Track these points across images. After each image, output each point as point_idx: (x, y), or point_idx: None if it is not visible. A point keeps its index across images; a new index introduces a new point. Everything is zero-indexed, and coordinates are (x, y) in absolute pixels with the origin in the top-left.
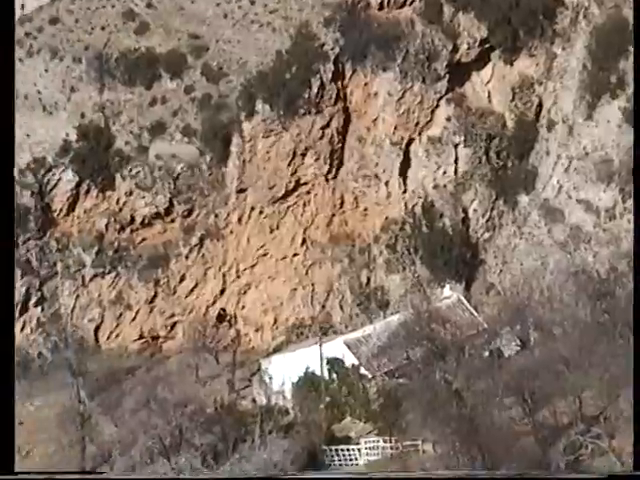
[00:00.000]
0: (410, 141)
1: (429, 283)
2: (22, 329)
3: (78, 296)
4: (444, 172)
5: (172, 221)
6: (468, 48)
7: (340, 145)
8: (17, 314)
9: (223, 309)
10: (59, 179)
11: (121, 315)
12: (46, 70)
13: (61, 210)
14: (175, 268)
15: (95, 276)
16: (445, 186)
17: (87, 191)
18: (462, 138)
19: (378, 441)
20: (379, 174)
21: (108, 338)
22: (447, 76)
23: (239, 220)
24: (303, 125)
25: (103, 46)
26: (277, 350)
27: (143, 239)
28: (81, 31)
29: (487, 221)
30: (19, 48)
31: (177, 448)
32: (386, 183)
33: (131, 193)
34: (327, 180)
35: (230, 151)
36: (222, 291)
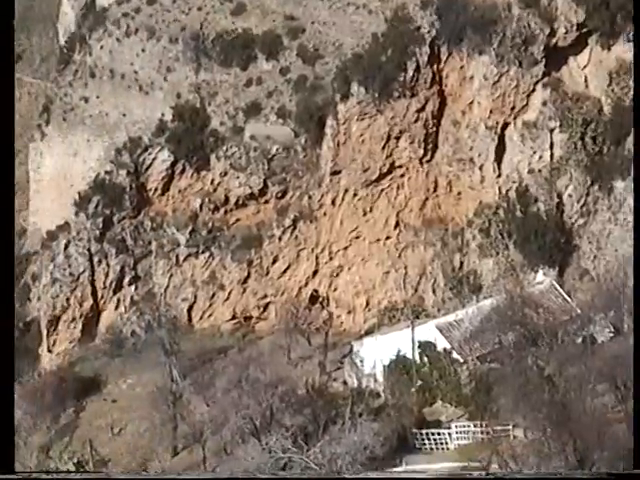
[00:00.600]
0: (505, 125)
1: (522, 268)
2: (116, 307)
3: (172, 275)
4: (539, 157)
5: (266, 202)
6: (565, 32)
7: (435, 129)
8: (111, 292)
9: (315, 290)
10: (154, 159)
11: (214, 295)
12: (143, 50)
13: (156, 190)
14: (268, 249)
15: (189, 256)
16: (540, 171)
17: (182, 171)
18: (558, 123)
19: (469, 425)
20: (474, 158)
21: (201, 318)
22: (543, 60)
23: (333, 202)
24: (398, 108)
25: (200, 26)
26: (369, 333)
27: (237, 220)
28: (178, 11)
29: (582, 207)
30: (117, 29)
31: (268, 428)
32: (480, 167)
33: (225, 174)
34: (421, 163)
35: (324, 133)
36: (315, 273)
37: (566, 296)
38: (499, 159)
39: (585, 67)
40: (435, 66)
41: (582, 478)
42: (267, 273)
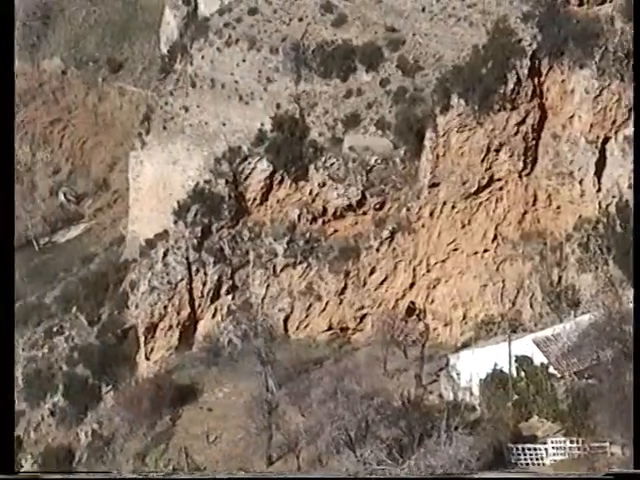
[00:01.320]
0: (606, 140)
1: (621, 283)
2: (213, 316)
3: (269, 285)
4: None
5: (364, 213)
6: None
7: (534, 142)
8: (208, 301)
9: (412, 303)
10: (253, 168)
11: (311, 306)
12: (243, 60)
13: (254, 199)
14: (366, 260)
15: (286, 266)
16: None
17: (280, 181)
18: None
19: (565, 441)
20: (574, 172)
21: (297, 328)
22: None
23: (431, 214)
24: (498, 121)
25: (300, 37)
26: (465, 346)
27: (334, 231)
28: (279, 22)
29: None
30: (218, 38)
31: (363, 440)
32: (580, 181)
33: (324, 184)
34: (520, 177)
35: (424, 145)
36: (412, 285)
37: None
38: (599, 173)
39: None
40: (536, 79)
41: (582, 478)
42: (364, 284)
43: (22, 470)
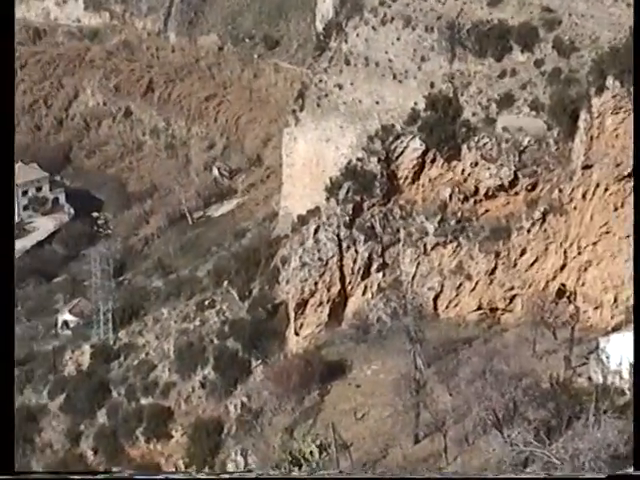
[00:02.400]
0: None
1: None
2: (363, 293)
3: (419, 264)
4: None
5: (516, 194)
6: None
7: None
8: (359, 278)
9: (563, 285)
10: (406, 147)
11: (461, 285)
12: (398, 39)
13: (406, 178)
14: (516, 241)
15: (437, 245)
16: None
17: (433, 160)
18: None
19: None
20: None
21: (447, 307)
22: None
23: (583, 196)
24: None
25: (456, 16)
26: (616, 329)
27: (486, 210)
28: (434, 1)
29: None
30: (373, 17)
31: (510, 421)
32: None
33: (476, 164)
34: None
35: (577, 126)
36: (562, 267)
37: None
38: None
39: None
40: None
41: (582, 478)
42: (514, 265)
43: (173, 438)
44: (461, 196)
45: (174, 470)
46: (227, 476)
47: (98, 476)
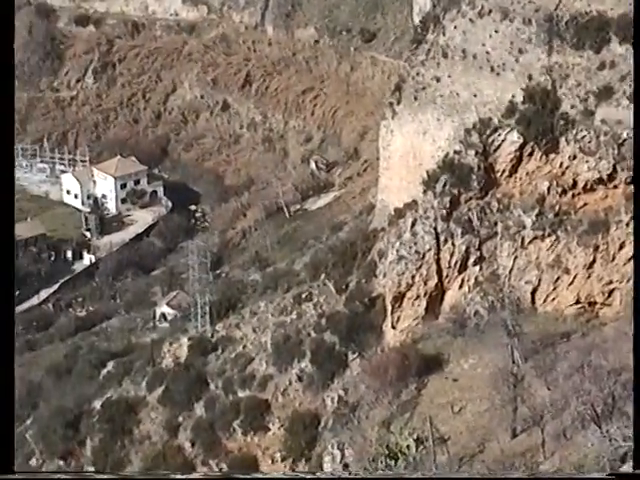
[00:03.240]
0: None
1: None
2: (460, 287)
3: (516, 257)
4: None
5: (615, 187)
6: None
7: None
8: (456, 272)
9: None
10: (504, 140)
11: (558, 279)
12: (496, 31)
13: (504, 171)
14: (615, 235)
15: (534, 238)
16: None
17: (530, 153)
18: None
19: None
20: None
21: (544, 301)
22: None
23: None
24: None
25: (554, 8)
26: None
27: (584, 204)
28: None
29: None
30: (470, 9)
31: (609, 416)
32: None
33: (575, 157)
34: None
35: None
36: None
37: None
38: None
39: None
40: None
41: (582, 478)
42: (613, 259)
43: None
44: (559, 189)
45: (270, 462)
46: (227, 476)
47: (97, 476)
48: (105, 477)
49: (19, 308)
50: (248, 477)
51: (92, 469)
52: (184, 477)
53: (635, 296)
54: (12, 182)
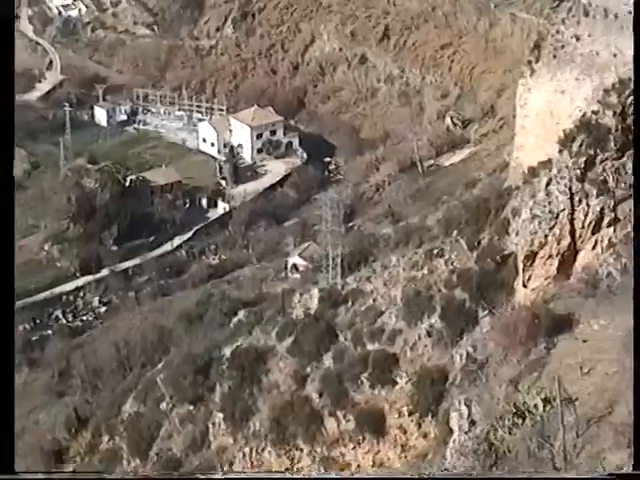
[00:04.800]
0: None
1: None
2: (593, 248)
3: None
4: None
5: None
6: None
7: None
8: (589, 233)
9: None
10: None
11: None
12: None
13: None
14: None
15: None
16: None
17: None
18: None
19: None
20: None
21: None
22: None
23: None
24: None
25: None
26: None
27: None
28: None
29: None
30: None
31: None
32: None
33: None
34: None
35: None
36: None
37: None
38: None
39: None
40: None
41: (582, 478)
42: None
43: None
44: None
45: (397, 416)
46: (227, 476)
47: (96, 476)
48: (105, 477)
49: (153, 254)
50: (249, 477)
51: (221, 415)
52: (185, 477)
53: (635, 296)
54: (12, 182)
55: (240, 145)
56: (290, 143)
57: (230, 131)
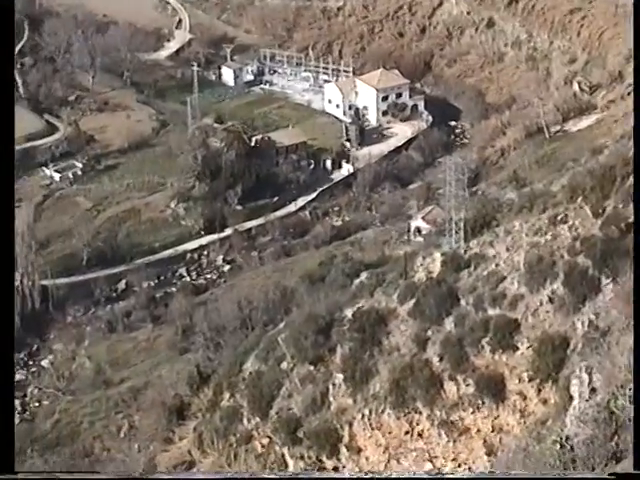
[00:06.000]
0: None
1: None
2: None
3: None
4: None
5: None
6: None
7: None
8: None
9: None
10: None
11: None
12: None
13: None
14: None
15: None
16: None
17: None
18: None
19: None
20: None
21: None
22: None
23: None
24: None
25: None
26: None
27: None
28: None
29: None
30: None
31: None
32: None
33: None
34: None
35: None
36: None
37: None
38: None
39: None
40: None
41: (582, 478)
42: None
43: None
44: None
45: (517, 382)
46: (226, 476)
47: (97, 476)
48: (107, 477)
49: (276, 214)
50: (251, 477)
51: (341, 376)
52: (187, 477)
53: (635, 295)
54: (12, 181)
55: (365, 107)
56: (415, 106)
57: (356, 93)
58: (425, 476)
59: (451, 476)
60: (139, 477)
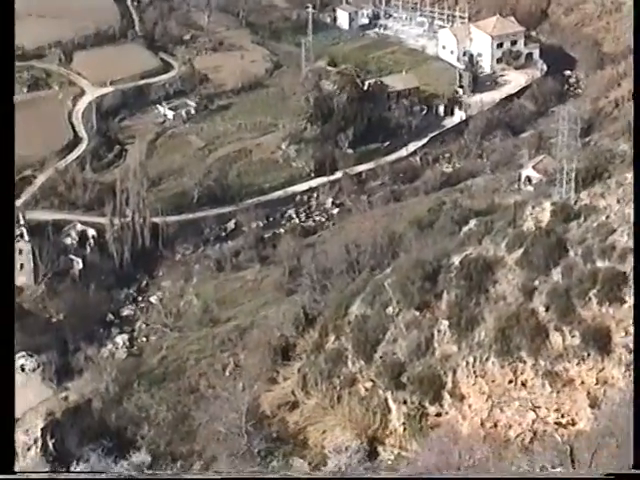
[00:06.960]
0: None
1: None
2: None
3: None
4: None
5: None
6: None
7: None
8: None
9: None
10: None
11: None
12: None
13: None
14: None
15: None
16: None
17: None
18: None
19: None
20: None
21: None
22: None
23: None
24: None
25: None
26: None
27: None
28: None
29: None
30: None
31: None
32: None
33: None
34: None
35: None
36: None
37: None
38: None
39: None
40: None
41: (582, 478)
42: None
43: None
44: None
45: (623, 334)
46: (227, 476)
47: (97, 476)
48: (104, 477)
49: (387, 159)
50: (248, 477)
51: (446, 322)
52: (187, 477)
53: (635, 295)
54: (12, 177)
55: (480, 54)
56: (530, 54)
57: (470, 39)
58: (423, 476)
59: (450, 476)
60: (145, 478)
